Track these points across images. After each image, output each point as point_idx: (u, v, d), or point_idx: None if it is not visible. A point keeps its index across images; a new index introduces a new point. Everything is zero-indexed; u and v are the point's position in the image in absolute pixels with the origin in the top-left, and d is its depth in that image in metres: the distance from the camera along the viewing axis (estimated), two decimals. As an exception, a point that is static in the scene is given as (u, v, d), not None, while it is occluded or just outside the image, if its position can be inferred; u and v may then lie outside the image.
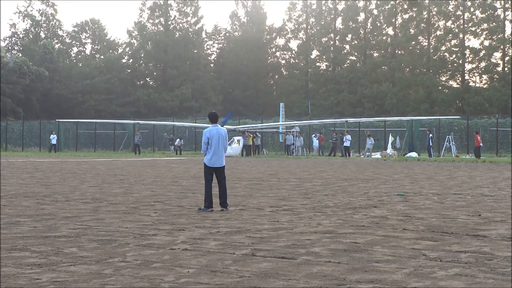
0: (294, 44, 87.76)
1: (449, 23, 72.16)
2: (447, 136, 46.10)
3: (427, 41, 73.74)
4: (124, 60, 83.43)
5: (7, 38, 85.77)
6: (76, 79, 77.37)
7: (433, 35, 73.01)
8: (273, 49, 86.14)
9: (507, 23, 70.17)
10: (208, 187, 12.29)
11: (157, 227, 9.89)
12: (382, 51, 76.97)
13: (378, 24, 77.24)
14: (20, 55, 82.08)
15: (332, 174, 24.16)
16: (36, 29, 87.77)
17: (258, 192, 16.17)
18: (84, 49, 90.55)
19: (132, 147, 53.77)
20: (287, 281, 6.18)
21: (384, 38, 76.45)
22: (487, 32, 69.74)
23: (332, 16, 78.70)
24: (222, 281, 6.20)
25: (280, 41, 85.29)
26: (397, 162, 36.83)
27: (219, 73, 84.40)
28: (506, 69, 68.83)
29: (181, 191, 16.30)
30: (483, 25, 69.73)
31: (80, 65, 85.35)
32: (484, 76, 71.90)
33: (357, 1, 77.53)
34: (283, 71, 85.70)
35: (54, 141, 52.59)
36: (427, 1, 72.96)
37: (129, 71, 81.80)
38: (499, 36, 69.18)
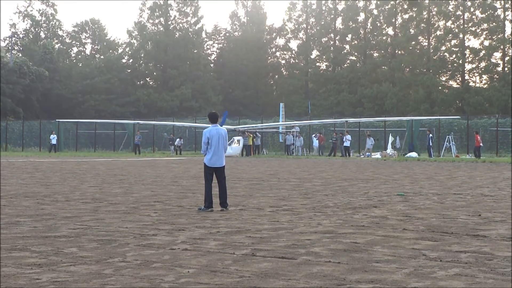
0: (294, 44, 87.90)
1: (449, 23, 72.18)
2: (447, 136, 46.10)
3: (427, 41, 73.74)
4: (124, 60, 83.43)
5: (7, 38, 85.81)
6: (76, 79, 77.38)
7: (433, 35, 73.02)
8: (273, 49, 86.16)
9: (507, 23, 70.27)
10: (208, 187, 12.29)
11: (157, 227, 9.89)
12: (382, 51, 76.98)
13: (378, 24, 77.25)
14: (20, 55, 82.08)
15: (332, 174, 24.17)
16: (36, 29, 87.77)
17: (258, 192, 16.17)
18: (84, 49, 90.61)
19: (132, 147, 53.77)
20: (287, 281, 6.18)
21: (384, 38, 76.46)
22: (487, 32, 69.74)
23: (332, 16, 78.71)
24: (222, 281, 6.20)
25: (280, 41, 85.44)
26: (397, 162, 36.83)
27: (219, 73, 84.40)
28: (506, 69, 68.83)
29: (181, 191, 16.30)
30: (483, 25, 69.74)
31: (80, 65, 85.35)
32: (484, 76, 71.92)
33: (357, 1, 77.53)
34: (283, 71, 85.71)
35: (54, 141, 52.60)
36: (427, 1, 72.96)
37: (129, 71, 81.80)
38: (499, 36, 69.18)
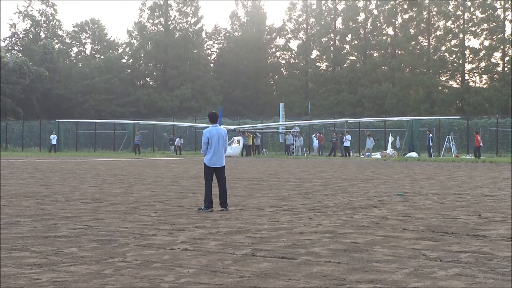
0: (294, 44, 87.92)
1: (449, 23, 72.17)
2: (447, 136, 46.10)
3: (427, 41, 73.74)
4: (124, 60, 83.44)
5: (7, 38, 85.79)
6: (76, 79, 77.38)
7: (433, 35, 73.02)
8: (273, 49, 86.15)
9: (507, 23, 70.24)
10: (208, 187, 12.29)
11: (157, 227, 9.89)
12: (382, 51, 76.97)
13: (378, 24, 77.24)
14: (20, 55, 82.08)
15: (332, 174, 24.17)
16: (36, 29, 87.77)
17: (258, 192, 16.17)
18: (84, 49, 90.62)
19: (132, 147, 53.77)
20: (287, 281, 6.18)
21: (384, 38, 76.45)
22: (487, 32, 69.74)
23: (332, 16, 78.70)
24: (222, 281, 6.20)
25: (280, 41, 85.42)
26: (397, 162, 36.83)
27: (219, 73, 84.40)
28: (506, 69, 68.82)
29: (181, 191, 16.30)
30: (483, 25, 69.73)
31: (80, 65, 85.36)
32: (484, 76, 71.90)
33: (357, 1, 77.52)
34: (283, 71, 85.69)
35: (54, 141, 52.60)
36: (427, 1, 72.95)
37: (129, 71, 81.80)
38: (499, 36, 69.18)
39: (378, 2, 76.00)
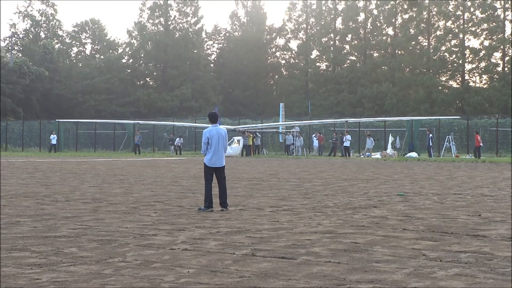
0: (294, 44, 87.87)
1: (449, 23, 72.16)
2: (447, 136, 46.09)
3: (427, 41, 73.74)
4: (124, 60, 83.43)
5: (7, 38, 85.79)
6: (76, 79, 77.37)
7: (433, 35, 73.02)
8: (273, 49, 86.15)
9: (507, 23, 70.22)
10: (208, 187, 12.29)
11: (157, 227, 9.89)
12: (382, 51, 76.97)
13: (378, 24, 77.24)
14: (20, 55, 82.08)
15: (332, 174, 24.16)
16: (36, 29, 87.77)
17: (258, 192, 16.17)
18: (84, 49, 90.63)
19: (132, 147, 53.77)
20: (287, 281, 6.18)
21: (384, 38, 76.46)
22: (487, 32, 69.74)
23: (332, 16, 78.70)
24: (222, 281, 6.20)
25: (280, 41, 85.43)
26: (397, 162, 36.83)
27: (219, 73, 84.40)
28: (506, 69, 68.82)
29: (181, 191, 16.30)
30: (483, 25, 69.73)
31: (80, 65, 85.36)
32: (484, 76, 71.89)
33: (357, 1, 77.52)
34: (283, 71, 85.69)
35: (54, 141, 52.59)
36: (427, 1, 72.95)
37: (129, 71, 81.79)
38: (499, 36, 69.17)
39: (378, 2, 76.00)
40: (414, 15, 72.72)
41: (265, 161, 38.48)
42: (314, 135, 52.20)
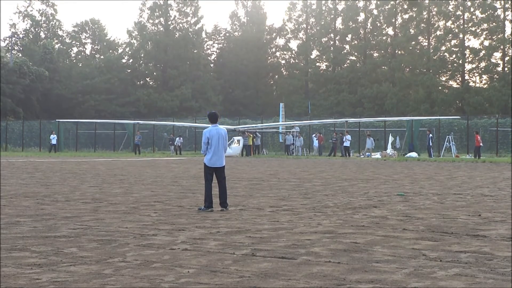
0: (294, 44, 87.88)
1: (449, 23, 72.16)
2: (447, 136, 46.09)
3: (427, 41, 73.73)
4: (124, 60, 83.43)
5: (7, 38, 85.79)
6: (76, 79, 77.37)
7: (433, 35, 73.01)
8: (273, 49, 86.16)
9: (507, 23, 70.22)
10: (208, 187, 12.29)
11: (157, 227, 9.89)
12: (382, 51, 76.97)
13: (378, 24, 77.24)
14: (20, 55, 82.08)
15: (332, 174, 24.16)
16: (36, 29, 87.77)
17: (258, 192, 16.17)
18: (84, 49, 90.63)
19: (132, 147, 53.77)
20: (287, 281, 6.18)
21: (384, 38, 76.46)
22: (487, 32, 69.74)
23: (332, 16, 78.70)
24: (222, 281, 6.20)
25: (280, 41, 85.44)
26: (397, 162, 36.83)
27: (219, 73, 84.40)
28: (506, 69, 68.82)
29: (181, 191, 16.30)
30: (483, 25, 69.72)
31: (80, 65, 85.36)
32: (484, 76, 71.89)
33: (357, 1, 77.52)
34: (283, 71, 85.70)
35: (54, 141, 52.59)
36: (427, 1, 72.95)
37: (129, 71, 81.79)
38: (499, 36, 69.17)
39: (378, 2, 76.00)
40: (414, 15, 72.71)
41: (265, 161, 38.47)
42: (314, 135, 52.18)
